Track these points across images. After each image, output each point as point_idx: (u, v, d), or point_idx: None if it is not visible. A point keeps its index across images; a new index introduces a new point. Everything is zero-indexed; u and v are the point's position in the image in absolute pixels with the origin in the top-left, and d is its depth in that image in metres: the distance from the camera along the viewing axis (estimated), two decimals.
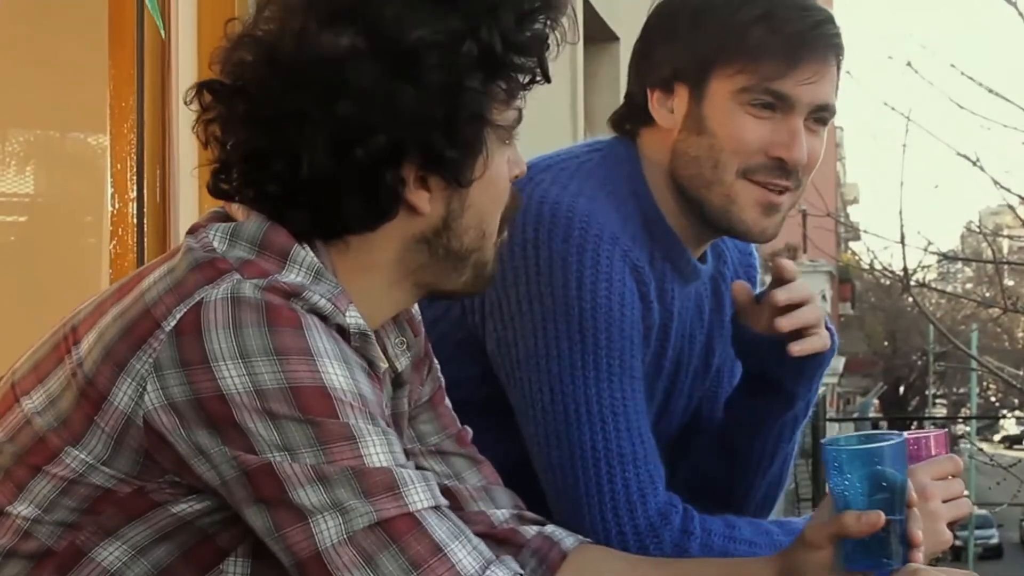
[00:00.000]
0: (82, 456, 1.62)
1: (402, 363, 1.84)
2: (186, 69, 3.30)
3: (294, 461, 1.57)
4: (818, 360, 2.17)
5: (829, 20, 2.14)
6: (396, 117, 1.65)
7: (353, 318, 1.68)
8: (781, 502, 2.44)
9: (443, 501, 1.65)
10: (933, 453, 2.06)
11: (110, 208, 3.23)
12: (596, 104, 7.56)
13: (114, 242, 3.20)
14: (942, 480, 2.04)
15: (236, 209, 1.72)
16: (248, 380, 1.57)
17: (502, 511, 1.94)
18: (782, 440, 2.29)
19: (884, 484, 1.75)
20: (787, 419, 2.27)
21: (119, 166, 3.23)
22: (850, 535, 1.76)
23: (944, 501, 2.04)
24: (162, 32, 2.95)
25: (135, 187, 3.23)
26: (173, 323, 1.59)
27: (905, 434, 2.10)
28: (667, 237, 2.18)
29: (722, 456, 2.32)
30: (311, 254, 1.68)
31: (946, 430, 2.15)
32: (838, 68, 2.16)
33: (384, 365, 1.77)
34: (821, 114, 2.14)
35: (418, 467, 1.80)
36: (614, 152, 2.21)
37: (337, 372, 1.60)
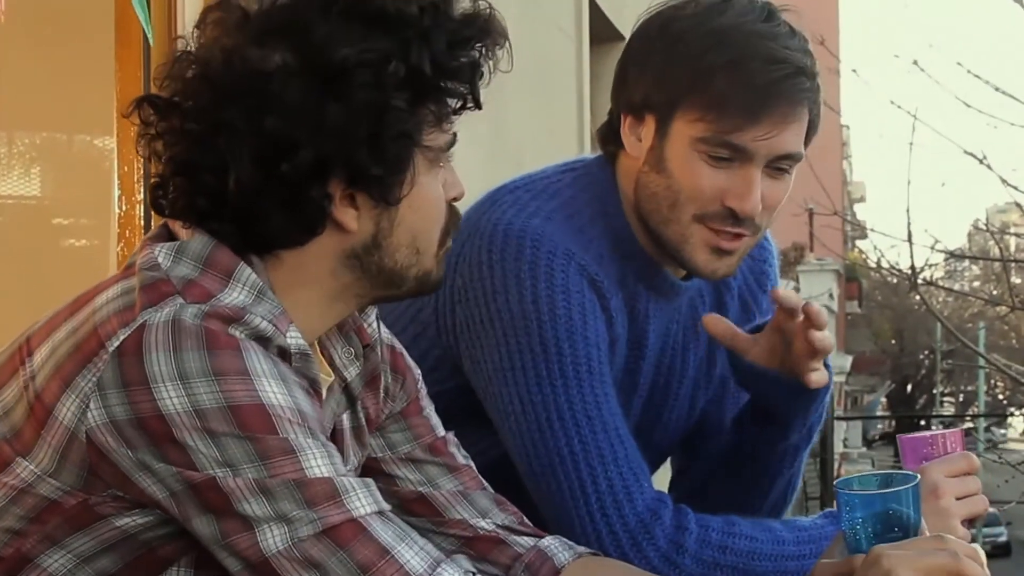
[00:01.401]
0: (31, 467, 1.65)
1: (351, 373, 1.86)
2: None
3: (237, 476, 1.59)
4: (814, 395, 2.17)
5: (798, 72, 2.08)
6: (322, 133, 1.67)
7: (294, 338, 1.70)
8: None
9: (385, 506, 1.67)
10: (950, 451, 2.08)
11: (117, 210, 3.23)
12: (602, 104, 7.55)
13: (121, 244, 3.21)
14: (956, 477, 2.05)
15: (179, 228, 1.74)
16: (187, 400, 1.59)
17: (486, 520, 1.95)
18: (783, 465, 2.29)
19: (896, 528, 1.73)
20: (786, 447, 2.26)
21: (126, 168, 3.23)
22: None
23: (959, 499, 2.05)
24: (150, 38, 2.95)
25: (142, 189, 3.23)
26: (116, 344, 1.61)
27: (924, 433, 2.10)
28: (640, 256, 2.19)
29: (727, 471, 2.33)
30: (254, 273, 1.71)
31: (962, 428, 2.16)
32: (812, 112, 2.12)
33: (330, 379, 1.81)
34: (783, 163, 2.12)
35: (388, 474, 1.86)
36: (588, 173, 2.23)
37: (275, 390, 1.62)
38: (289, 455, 1.60)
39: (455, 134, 1.78)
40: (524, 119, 6.39)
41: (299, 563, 1.60)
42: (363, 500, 1.63)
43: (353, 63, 1.67)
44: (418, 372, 2.00)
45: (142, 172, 3.22)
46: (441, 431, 1.99)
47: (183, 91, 1.71)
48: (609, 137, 2.23)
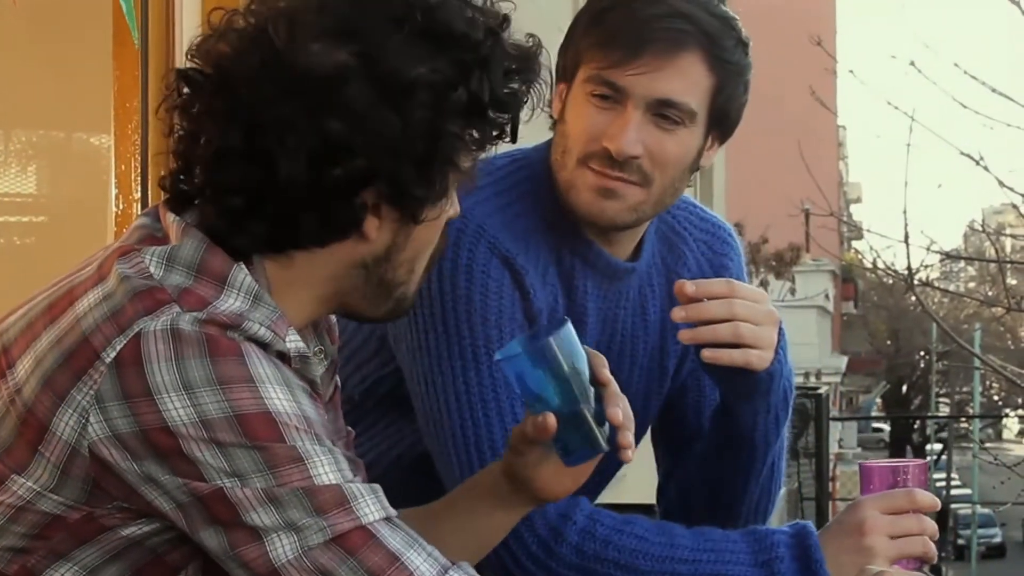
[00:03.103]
0: (29, 484, 1.62)
1: (318, 371, 1.82)
2: None
3: (245, 486, 1.58)
4: (753, 379, 2.12)
5: (680, 14, 2.11)
6: (378, 144, 1.65)
7: (293, 342, 1.69)
8: (783, 500, 2.43)
9: (392, 512, 1.66)
10: (911, 484, 2.01)
11: (114, 209, 3.23)
12: None
13: None
14: (892, 515, 2.01)
15: (170, 223, 1.70)
16: (193, 411, 1.57)
17: None
18: (752, 465, 2.26)
19: (558, 380, 1.75)
20: (745, 441, 2.23)
21: (123, 167, 3.23)
22: (537, 440, 1.76)
23: (895, 537, 2.00)
24: (136, 40, 2.95)
25: (139, 188, 3.24)
26: (113, 354, 1.59)
27: (889, 463, 2.05)
28: (573, 233, 2.19)
29: (703, 479, 2.33)
30: (249, 276, 1.67)
31: (927, 461, 2.11)
32: (710, 63, 2.12)
33: (320, 374, 1.78)
34: (666, 109, 2.12)
35: None
36: (526, 156, 2.24)
37: (280, 396, 1.61)
38: (297, 463, 1.59)
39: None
40: (521, 118, 6.39)
41: (309, 572, 1.59)
42: (372, 507, 1.63)
43: (422, 82, 1.65)
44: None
45: (139, 171, 3.23)
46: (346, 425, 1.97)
47: (232, 71, 1.66)
48: (553, 117, 2.25)
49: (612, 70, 2.10)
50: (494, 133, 1.75)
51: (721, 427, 2.26)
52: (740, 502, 2.30)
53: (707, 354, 2.06)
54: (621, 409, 1.77)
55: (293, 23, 1.65)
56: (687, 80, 2.12)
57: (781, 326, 2.13)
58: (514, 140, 1.78)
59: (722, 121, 2.18)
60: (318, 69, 1.63)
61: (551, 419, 1.74)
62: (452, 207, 1.79)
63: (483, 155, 1.77)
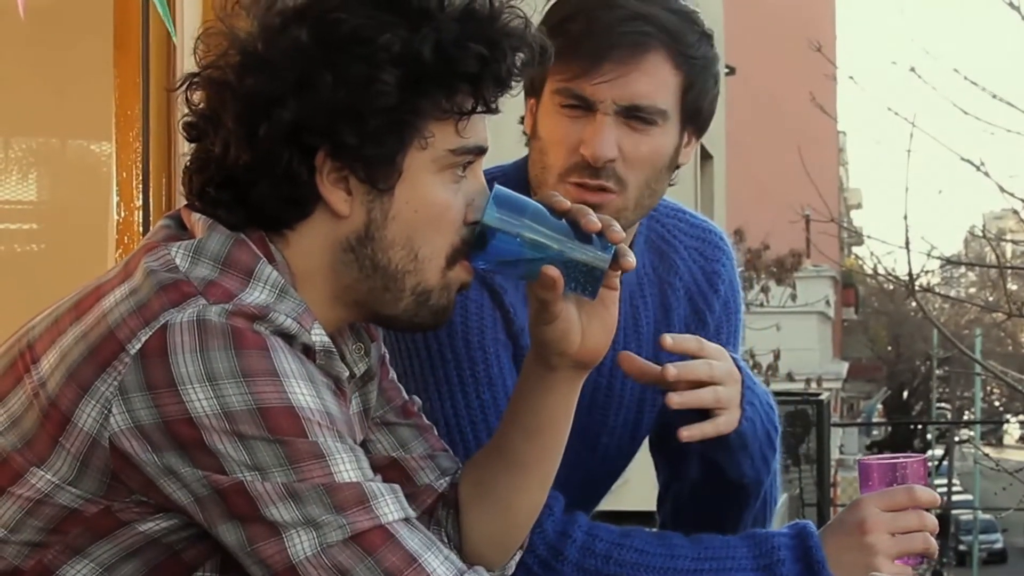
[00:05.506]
0: (48, 477, 1.63)
1: (359, 368, 1.84)
2: None
3: (265, 480, 1.58)
4: (727, 440, 2.12)
5: (640, 16, 2.10)
6: (303, 96, 1.66)
7: (318, 336, 1.69)
8: (784, 506, 2.44)
9: (411, 513, 1.66)
10: (910, 480, 2.02)
11: (116, 216, 3.24)
12: None
13: (119, 250, 3.21)
14: (893, 512, 2.01)
15: (195, 221, 1.72)
16: (216, 403, 1.57)
17: (446, 478, 1.94)
18: (742, 497, 2.27)
19: (523, 237, 1.74)
20: (734, 484, 2.24)
21: (125, 174, 3.23)
22: (556, 296, 1.75)
23: (896, 534, 2.01)
24: (174, 36, 2.96)
25: (141, 195, 3.24)
26: (138, 346, 1.59)
27: (888, 459, 2.05)
28: None
29: (699, 504, 2.33)
30: (275, 271, 1.69)
31: (925, 457, 2.10)
32: (675, 61, 2.11)
33: (346, 373, 1.78)
34: (636, 112, 2.11)
35: (364, 440, 1.84)
36: (507, 174, 2.23)
37: (304, 392, 1.61)
38: (318, 459, 1.59)
39: (480, 147, 1.75)
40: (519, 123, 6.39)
41: (326, 570, 1.59)
42: (391, 506, 1.63)
43: (352, 36, 1.66)
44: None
45: (140, 178, 3.23)
46: (406, 394, 1.98)
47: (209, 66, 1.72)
48: (527, 133, 2.23)
49: (577, 81, 2.09)
50: (466, 104, 1.71)
51: (710, 474, 2.25)
52: (735, 529, 2.29)
53: (685, 434, 2.07)
54: (591, 216, 1.76)
55: (263, 18, 1.70)
56: (654, 81, 2.10)
57: (744, 379, 2.13)
58: (488, 110, 1.74)
59: (695, 116, 2.17)
60: (260, 41, 1.69)
61: (550, 270, 1.73)
62: (479, 211, 1.76)
63: (470, 133, 1.72)
